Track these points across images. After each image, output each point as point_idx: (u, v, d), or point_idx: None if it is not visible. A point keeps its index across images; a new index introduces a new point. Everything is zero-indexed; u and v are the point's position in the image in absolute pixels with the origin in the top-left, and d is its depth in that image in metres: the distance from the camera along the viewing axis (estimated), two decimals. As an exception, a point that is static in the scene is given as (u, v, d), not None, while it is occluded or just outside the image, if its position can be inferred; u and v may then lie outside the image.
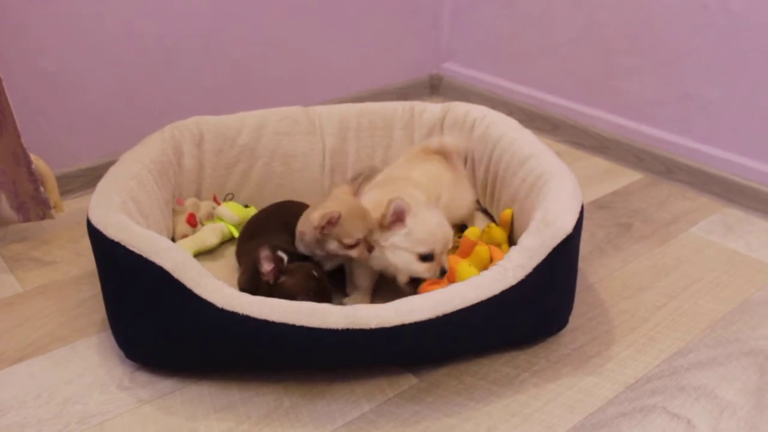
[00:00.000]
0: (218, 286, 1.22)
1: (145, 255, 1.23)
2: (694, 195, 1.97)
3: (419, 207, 1.41)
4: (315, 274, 1.38)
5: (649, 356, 1.37)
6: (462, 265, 1.45)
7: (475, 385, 1.30)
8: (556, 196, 1.35)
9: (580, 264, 1.63)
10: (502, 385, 1.30)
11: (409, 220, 1.39)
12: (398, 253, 1.40)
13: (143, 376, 1.32)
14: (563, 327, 1.42)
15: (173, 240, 1.67)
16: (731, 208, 1.90)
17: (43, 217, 1.69)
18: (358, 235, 1.40)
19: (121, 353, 1.35)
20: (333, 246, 1.41)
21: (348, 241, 1.41)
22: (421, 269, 1.39)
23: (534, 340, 1.39)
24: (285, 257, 1.40)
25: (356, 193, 1.50)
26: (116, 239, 1.26)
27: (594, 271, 1.63)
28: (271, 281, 1.35)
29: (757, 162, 1.87)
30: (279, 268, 1.36)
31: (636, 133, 2.11)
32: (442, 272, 1.40)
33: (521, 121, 2.37)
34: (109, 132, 1.98)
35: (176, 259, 1.22)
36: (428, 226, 1.40)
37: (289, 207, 1.65)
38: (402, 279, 1.41)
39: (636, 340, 1.41)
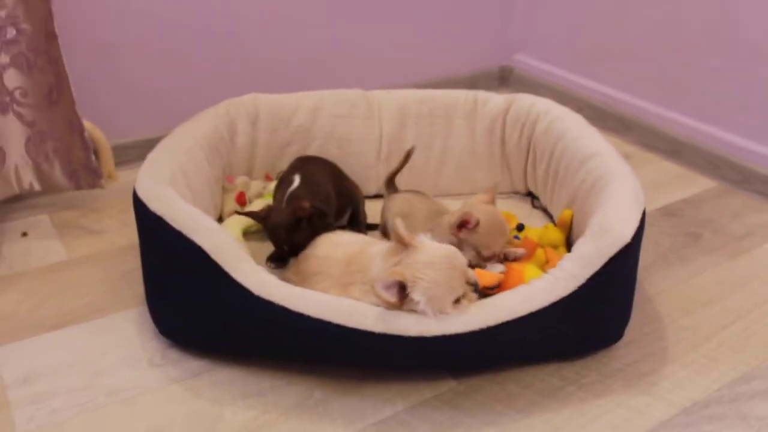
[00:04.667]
0: (256, 272, 1.18)
1: (185, 232, 1.20)
2: (772, 208, 1.84)
3: (410, 268, 1.16)
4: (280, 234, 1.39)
5: (708, 379, 1.27)
6: (530, 268, 1.37)
7: (518, 393, 1.22)
8: (616, 200, 1.26)
9: (641, 274, 1.54)
10: (547, 396, 1.22)
11: (416, 294, 1.13)
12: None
13: (175, 354, 1.30)
14: (618, 340, 1.33)
15: (221, 218, 1.64)
16: (812, 225, 1.77)
17: (93, 186, 1.68)
18: (496, 248, 1.34)
19: (157, 329, 1.33)
20: (469, 255, 1.32)
21: (486, 252, 1.34)
22: (461, 307, 1.16)
23: (586, 353, 1.31)
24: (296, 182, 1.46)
25: (492, 201, 1.42)
26: (159, 213, 1.24)
27: (655, 282, 1.53)
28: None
29: None
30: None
31: (712, 138, 1.98)
32: (474, 288, 1.21)
33: (591, 118, 2.27)
34: (167, 105, 1.96)
35: (216, 240, 1.19)
36: (441, 286, 1.14)
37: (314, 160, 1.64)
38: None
39: (695, 360, 1.31)
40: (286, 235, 1.39)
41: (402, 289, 1.13)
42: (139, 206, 1.28)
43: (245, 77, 2.03)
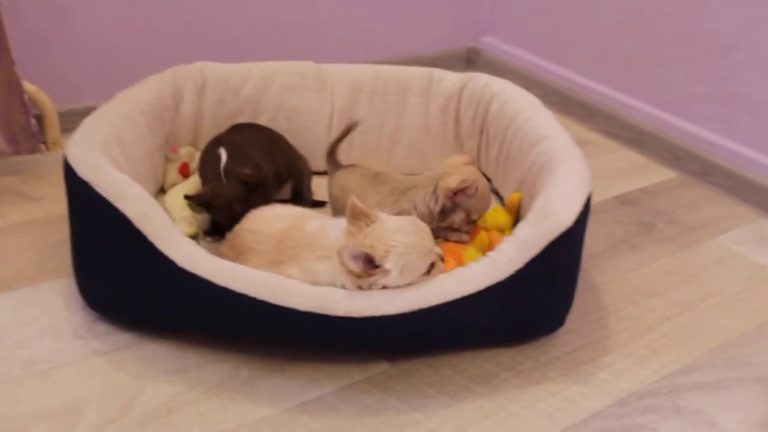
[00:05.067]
0: (182, 244, 1.13)
1: (110, 199, 1.15)
2: (729, 201, 1.81)
3: (381, 239, 1.12)
4: (236, 208, 1.36)
5: (648, 370, 1.24)
6: (470, 251, 1.34)
7: (452, 378, 1.19)
8: (560, 184, 1.22)
9: (589, 261, 1.52)
10: (481, 382, 1.19)
11: (390, 263, 1.10)
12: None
13: (102, 327, 1.25)
14: (558, 328, 1.30)
15: (163, 189, 1.59)
16: (768, 219, 1.75)
17: (33, 151, 1.63)
18: (484, 212, 1.36)
19: (84, 301, 1.28)
20: (458, 218, 1.35)
21: (475, 216, 1.37)
22: (435, 273, 1.16)
23: (524, 340, 1.27)
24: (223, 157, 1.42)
25: (473, 162, 1.43)
26: (85, 178, 1.19)
27: (604, 270, 1.50)
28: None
29: (803, 173, 1.71)
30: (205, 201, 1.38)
31: (675, 129, 1.95)
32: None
33: (556, 104, 2.25)
34: (120, 71, 1.89)
35: (142, 208, 1.14)
36: (416, 251, 1.12)
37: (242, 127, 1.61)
38: None
39: (636, 351, 1.28)
40: (243, 208, 1.34)
41: (369, 261, 1.10)
42: (68, 171, 1.23)
43: (203, 46, 1.98)
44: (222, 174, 1.40)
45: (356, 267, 1.09)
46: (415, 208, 1.36)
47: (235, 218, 1.34)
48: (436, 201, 1.35)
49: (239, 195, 1.37)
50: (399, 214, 1.31)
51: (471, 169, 1.39)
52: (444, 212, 1.36)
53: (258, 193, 1.39)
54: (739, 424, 1.14)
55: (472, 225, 1.39)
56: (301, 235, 1.22)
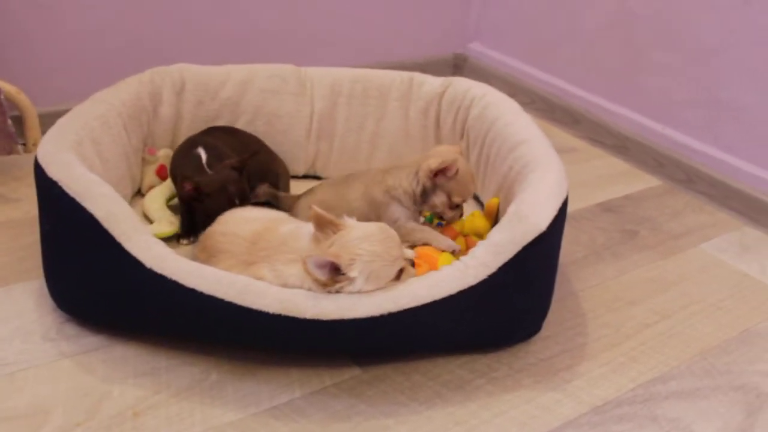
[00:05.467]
0: (150, 244, 1.11)
1: (78, 198, 1.13)
2: (713, 209, 1.80)
3: (346, 247, 1.11)
4: (231, 189, 1.36)
5: (625, 378, 1.23)
6: (445, 255, 1.33)
7: (423, 384, 1.17)
8: (536, 188, 1.21)
9: (570, 268, 1.51)
10: (453, 389, 1.17)
11: (355, 271, 1.09)
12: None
13: (72, 329, 1.23)
14: (534, 334, 1.28)
15: (139, 191, 1.58)
16: (751, 227, 1.73)
17: (10, 152, 1.61)
18: (467, 196, 1.35)
19: (54, 302, 1.26)
20: (439, 200, 1.35)
21: (457, 199, 1.36)
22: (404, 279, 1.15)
23: (499, 346, 1.26)
24: (203, 155, 1.42)
25: (461, 152, 1.42)
26: (54, 178, 1.17)
27: (584, 277, 1.49)
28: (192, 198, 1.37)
29: (787, 180, 1.70)
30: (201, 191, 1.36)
31: (659, 136, 1.95)
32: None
33: (542, 110, 2.24)
34: (102, 73, 1.87)
35: (110, 208, 1.12)
36: (382, 259, 1.11)
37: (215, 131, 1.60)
38: None
39: (614, 359, 1.27)
40: (237, 189, 1.36)
41: (335, 269, 1.09)
42: (38, 171, 1.21)
43: (188, 47, 1.96)
44: (206, 168, 1.40)
45: (321, 275, 1.08)
46: (395, 187, 1.37)
47: (231, 201, 1.34)
48: (418, 182, 1.35)
49: (230, 177, 1.37)
50: (386, 191, 1.36)
51: (454, 152, 1.39)
52: (425, 193, 1.35)
53: (244, 177, 1.41)
54: (716, 433, 1.13)
55: (456, 211, 1.38)
56: (274, 237, 1.20)
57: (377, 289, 1.10)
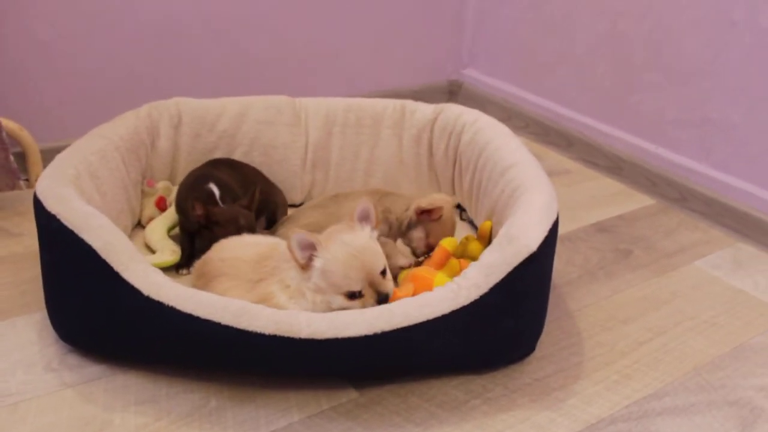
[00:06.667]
0: (147, 273, 1.14)
1: (76, 231, 1.16)
2: (707, 226, 1.82)
3: (330, 239, 1.21)
4: (241, 221, 1.41)
5: (619, 395, 1.24)
6: (439, 277, 1.35)
7: (419, 406, 1.19)
8: (526, 210, 1.23)
9: (564, 288, 1.53)
10: (449, 410, 1.18)
11: (318, 261, 1.19)
12: (326, 295, 1.21)
13: (73, 359, 1.25)
14: (528, 354, 1.30)
15: (139, 222, 1.61)
16: (745, 244, 1.75)
17: (12, 187, 1.65)
18: (438, 240, 1.43)
19: (56, 333, 1.28)
20: (417, 235, 1.47)
21: (431, 240, 1.46)
22: (356, 305, 1.20)
23: (493, 366, 1.27)
24: (216, 191, 1.47)
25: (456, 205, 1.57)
26: (53, 212, 1.20)
27: (579, 297, 1.51)
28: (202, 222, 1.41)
29: (778, 196, 1.72)
30: (212, 218, 1.41)
31: (652, 156, 1.97)
32: (382, 300, 1.20)
33: (536, 134, 2.28)
34: (102, 108, 1.91)
35: (107, 238, 1.15)
36: (340, 265, 1.18)
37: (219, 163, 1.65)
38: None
39: (608, 377, 1.28)
40: (246, 221, 1.43)
41: (312, 257, 1.18)
42: (37, 205, 1.24)
43: (183, 82, 2.00)
44: (220, 204, 1.46)
45: (299, 256, 1.17)
46: (391, 212, 1.49)
47: (238, 233, 1.39)
48: (407, 214, 1.49)
49: (242, 212, 1.43)
50: (383, 212, 1.49)
51: (447, 200, 1.49)
52: (409, 226, 1.48)
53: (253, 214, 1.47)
54: (710, 448, 1.14)
55: (427, 250, 1.48)
56: (280, 253, 1.25)
57: (327, 297, 1.20)
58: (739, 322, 1.45)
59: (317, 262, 1.18)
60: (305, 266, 1.19)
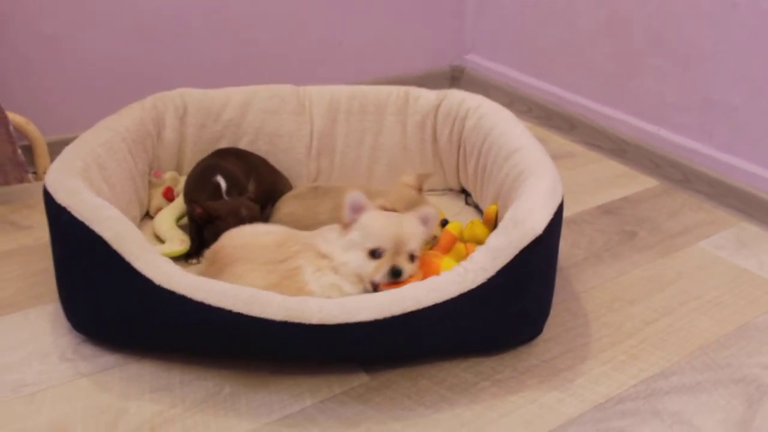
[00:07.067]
0: (158, 262, 1.15)
1: (87, 222, 1.17)
2: (711, 207, 1.83)
3: (375, 207, 1.32)
4: (243, 212, 1.43)
5: (626, 375, 1.26)
6: (446, 261, 1.36)
7: (429, 389, 1.20)
8: (531, 194, 1.24)
9: (571, 270, 1.54)
10: (458, 392, 1.20)
11: (362, 217, 1.28)
12: (351, 251, 1.27)
13: (88, 349, 1.27)
14: (536, 336, 1.32)
15: (147, 213, 1.62)
16: (749, 223, 1.76)
17: (21, 180, 1.66)
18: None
19: (69, 324, 1.30)
20: None
21: None
22: (370, 267, 1.25)
23: (501, 348, 1.29)
24: (223, 184, 1.49)
25: (420, 188, 1.51)
26: (63, 204, 1.21)
27: (585, 279, 1.52)
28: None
29: (781, 176, 1.73)
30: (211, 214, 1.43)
31: (655, 138, 1.98)
32: (394, 273, 1.24)
33: (539, 118, 2.28)
34: (107, 100, 1.91)
35: (117, 229, 1.17)
36: (379, 221, 1.27)
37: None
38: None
39: (615, 357, 1.30)
40: (248, 211, 1.44)
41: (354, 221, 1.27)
42: (47, 198, 1.25)
43: (188, 73, 2.01)
44: (225, 197, 1.48)
45: (347, 214, 1.27)
46: None
47: (241, 224, 1.40)
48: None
49: (244, 202, 1.45)
50: None
51: (404, 193, 1.48)
52: None
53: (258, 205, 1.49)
54: (717, 424, 1.15)
55: None
56: (304, 235, 1.32)
57: (352, 256, 1.26)
58: (743, 302, 1.46)
59: (363, 217, 1.27)
60: (347, 225, 1.27)
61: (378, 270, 1.24)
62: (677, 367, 1.28)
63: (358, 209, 1.28)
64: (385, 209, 1.32)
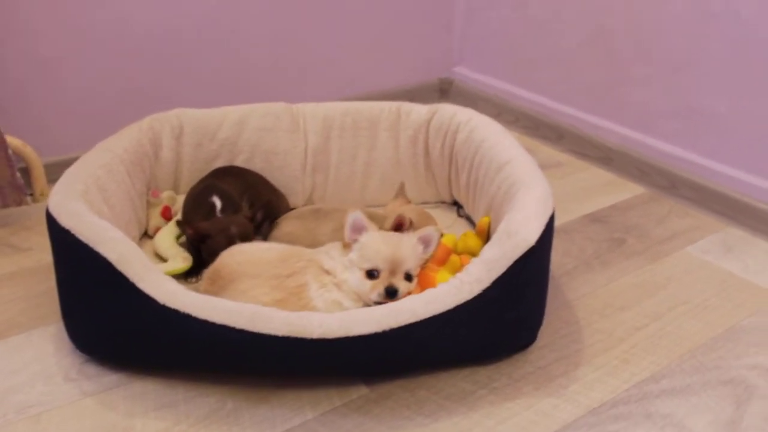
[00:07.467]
0: (161, 282, 1.18)
1: (91, 244, 1.20)
2: (697, 212, 1.88)
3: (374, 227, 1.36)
4: (233, 230, 1.45)
5: (618, 379, 1.29)
6: (442, 273, 1.39)
7: (428, 399, 1.23)
8: (523, 205, 1.28)
9: (562, 279, 1.57)
10: (456, 401, 1.23)
11: (362, 237, 1.33)
12: (350, 270, 1.31)
13: (91, 369, 1.29)
14: (531, 344, 1.35)
15: (146, 233, 1.65)
16: (734, 228, 1.80)
17: (19, 203, 1.68)
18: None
19: (73, 344, 1.32)
20: None
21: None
22: (367, 287, 1.29)
23: (497, 357, 1.32)
24: (218, 204, 1.53)
25: (406, 201, 1.60)
26: (67, 226, 1.23)
27: (576, 287, 1.56)
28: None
29: (764, 180, 1.77)
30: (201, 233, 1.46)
31: (641, 145, 2.02)
32: (389, 293, 1.27)
33: (527, 128, 2.33)
34: (102, 121, 1.94)
35: (121, 250, 1.19)
36: (376, 243, 1.31)
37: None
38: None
39: (608, 362, 1.33)
40: (238, 230, 1.46)
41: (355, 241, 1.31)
42: (51, 221, 1.28)
43: (182, 92, 2.04)
44: (220, 216, 1.52)
45: (348, 234, 1.32)
46: None
47: (232, 241, 1.43)
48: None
49: (235, 220, 1.48)
50: None
51: (413, 208, 1.57)
52: None
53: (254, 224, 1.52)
54: (707, 425, 1.19)
55: None
56: (309, 251, 1.36)
57: (350, 274, 1.30)
58: (730, 305, 1.50)
59: (362, 237, 1.31)
60: (348, 245, 1.32)
61: (374, 289, 1.28)
62: (668, 371, 1.31)
63: (358, 229, 1.32)
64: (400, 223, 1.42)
